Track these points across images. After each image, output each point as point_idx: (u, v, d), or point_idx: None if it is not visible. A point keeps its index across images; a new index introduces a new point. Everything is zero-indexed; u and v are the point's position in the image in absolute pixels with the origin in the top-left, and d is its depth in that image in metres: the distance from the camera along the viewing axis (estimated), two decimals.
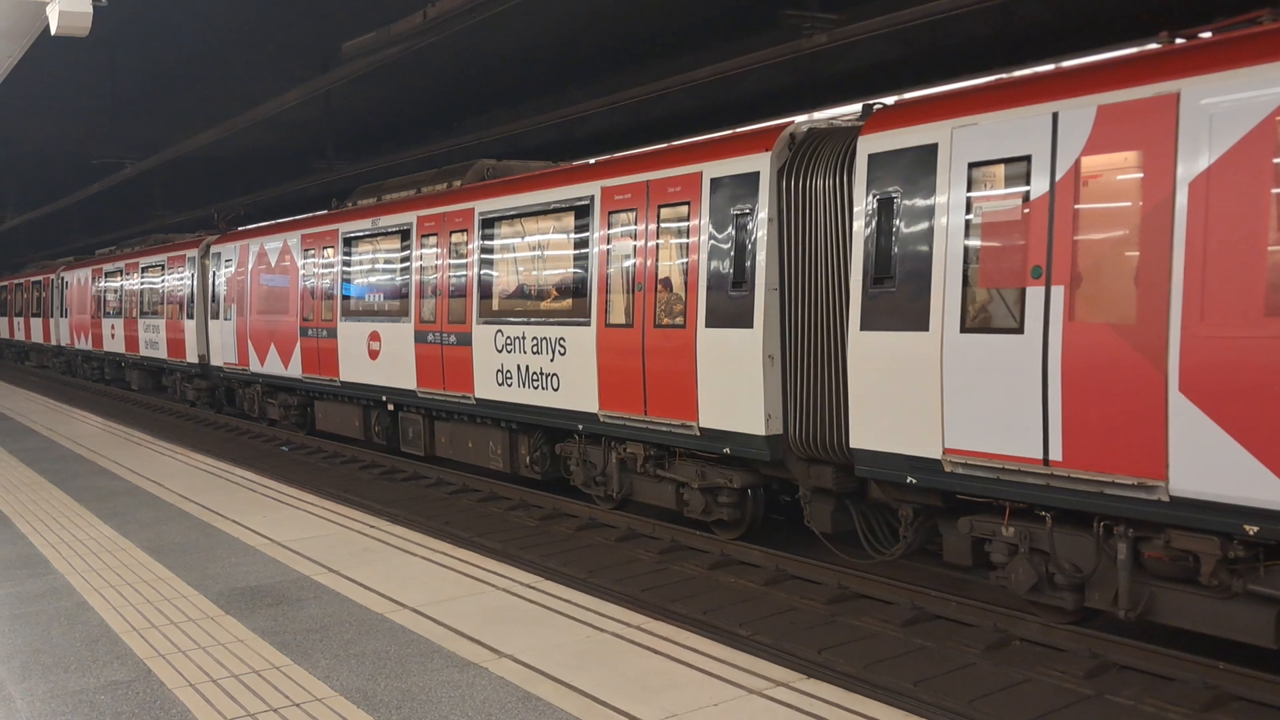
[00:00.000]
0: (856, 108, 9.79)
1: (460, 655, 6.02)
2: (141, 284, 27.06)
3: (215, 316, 22.15)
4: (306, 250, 18.11)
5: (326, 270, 17.44)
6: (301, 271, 18.24)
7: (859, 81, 15.50)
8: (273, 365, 19.37)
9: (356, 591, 7.42)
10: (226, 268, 21.55)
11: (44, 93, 20.47)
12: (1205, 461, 6.55)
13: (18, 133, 25.07)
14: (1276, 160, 6.24)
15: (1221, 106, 6.48)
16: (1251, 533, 6.40)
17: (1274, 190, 6.25)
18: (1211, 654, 7.14)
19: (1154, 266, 6.77)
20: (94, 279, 31.60)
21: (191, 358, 23.64)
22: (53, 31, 10.29)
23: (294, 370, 18.57)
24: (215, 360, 22.39)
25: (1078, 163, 7.25)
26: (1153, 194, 6.81)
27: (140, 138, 24.93)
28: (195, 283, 23.23)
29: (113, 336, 29.75)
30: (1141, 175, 6.88)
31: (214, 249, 22.48)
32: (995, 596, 8.76)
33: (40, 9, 10.61)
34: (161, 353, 25.62)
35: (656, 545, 11.07)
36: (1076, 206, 7.26)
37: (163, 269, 25.40)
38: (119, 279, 29.06)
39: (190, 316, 23.47)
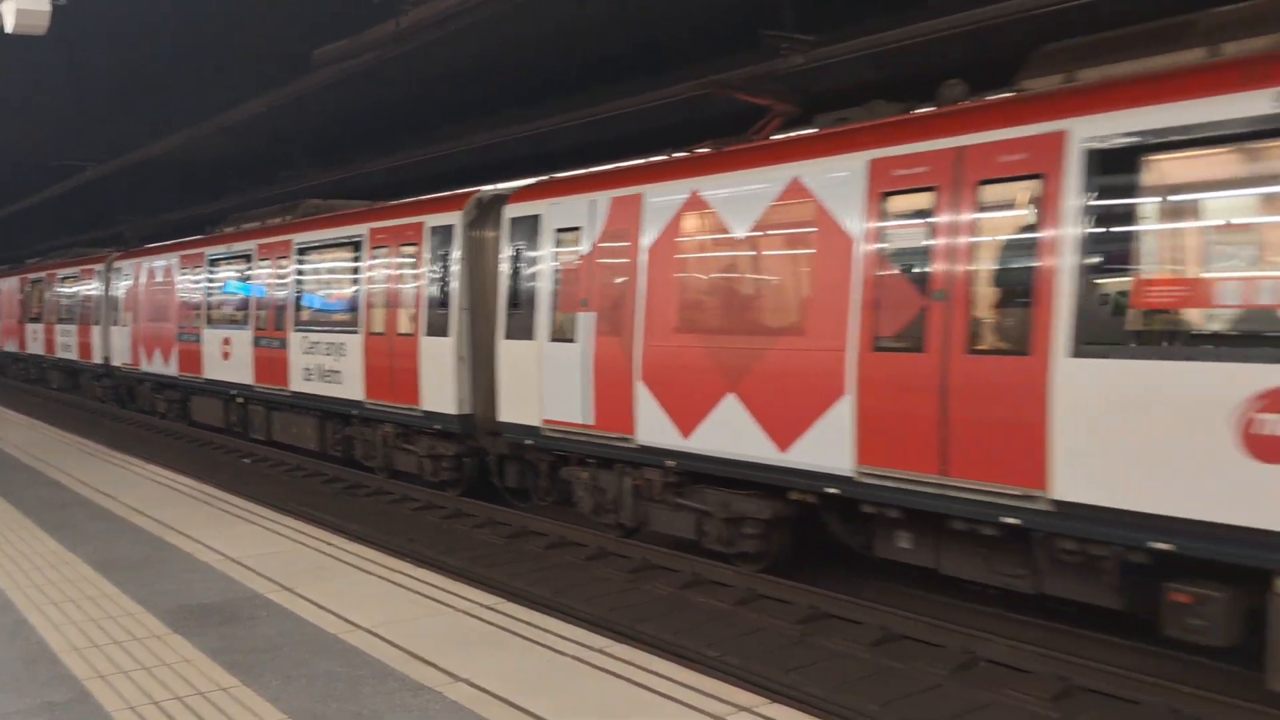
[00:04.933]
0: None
1: (414, 678, 5.84)
2: (59, 292, 30.34)
3: (115, 323, 25.58)
4: (183, 268, 21.68)
5: (196, 285, 20.96)
6: (179, 286, 21.76)
7: (837, 102, 15.43)
8: (157, 365, 22.89)
9: (310, 610, 7.22)
10: (125, 280, 24.92)
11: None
12: (650, 422, 10.42)
13: None
14: (678, 239, 10.24)
15: (659, 203, 10.47)
16: (671, 465, 10.29)
17: (676, 256, 10.24)
18: (1172, 677, 7.07)
19: (631, 300, 10.65)
20: (20, 287, 35.10)
21: (97, 359, 27.03)
22: (7, 29, 10.07)
23: (173, 370, 22.02)
24: (116, 361, 25.72)
25: (602, 232, 11.11)
26: (632, 255, 10.70)
27: (104, 141, 24.57)
28: (101, 293, 26.62)
29: (34, 339, 33.23)
30: (628, 244, 10.76)
31: (116, 264, 25.88)
32: (964, 618, 8.69)
33: None
34: (74, 355, 28.97)
35: (626, 564, 10.93)
36: (599, 261, 11.11)
37: (76, 279, 28.82)
38: (41, 287, 32.36)
39: (97, 322, 26.93)
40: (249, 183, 27.45)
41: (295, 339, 16.78)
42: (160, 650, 6.35)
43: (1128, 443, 6.73)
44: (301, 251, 16.90)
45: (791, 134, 10.31)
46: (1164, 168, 6.77)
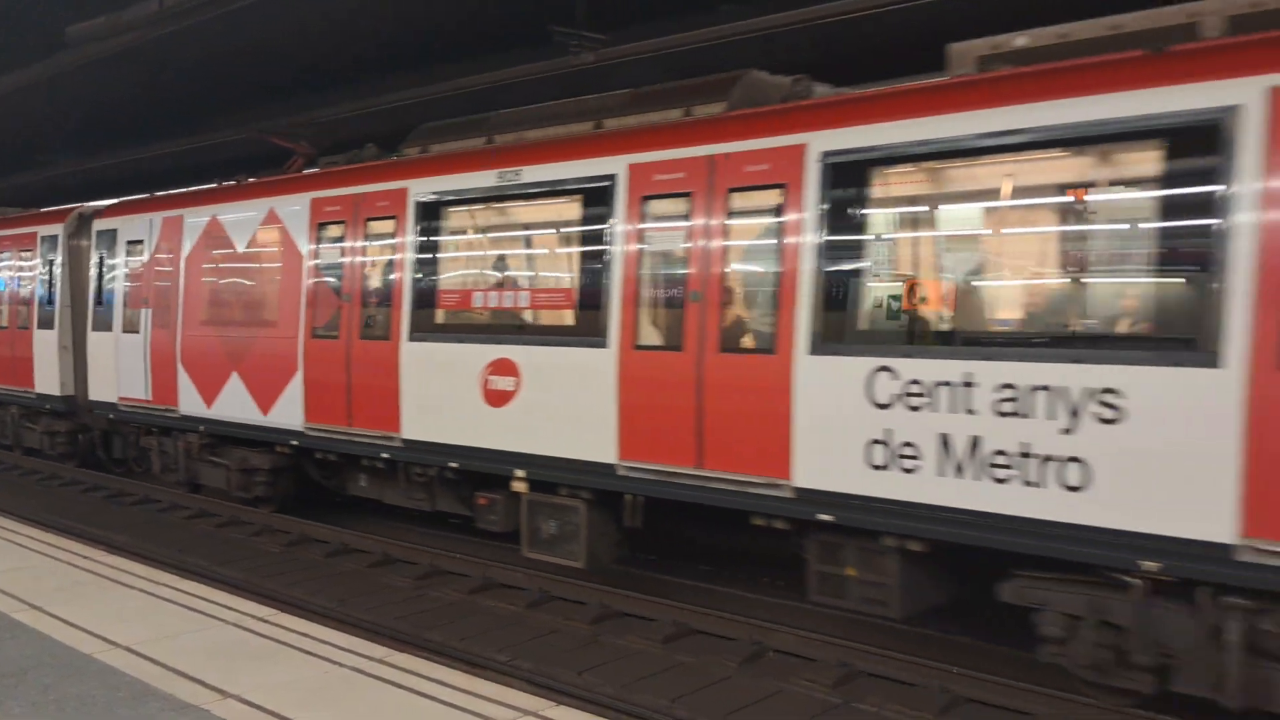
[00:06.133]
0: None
1: (178, 697, 5.45)
2: None
3: None
4: None
5: None
6: None
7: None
8: None
9: (62, 630, 6.64)
10: None
11: None
12: (188, 396, 12.93)
13: None
14: (204, 252, 12.88)
15: (193, 224, 13.18)
16: (202, 429, 12.92)
17: (203, 265, 12.90)
18: (947, 659, 7.43)
19: (175, 299, 13.22)
20: None
21: None
22: None
23: None
24: None
25: (157, 245, 13.73)
26: (175, 264, 13.34)
27: None
28: None
29: None
30: (173, 255, 13.41)
31: None
32: (755, 611, 8.85)
33: None
34: None
35: (413, 570, 10.59)
36: (155, 268, 13.70)
37: None
38: None
39: None
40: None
41: None
42: None
43: (436, 395, 9.95)
44: None
45: (274, 176, 13.31)
46: (452, 216, 10.16)
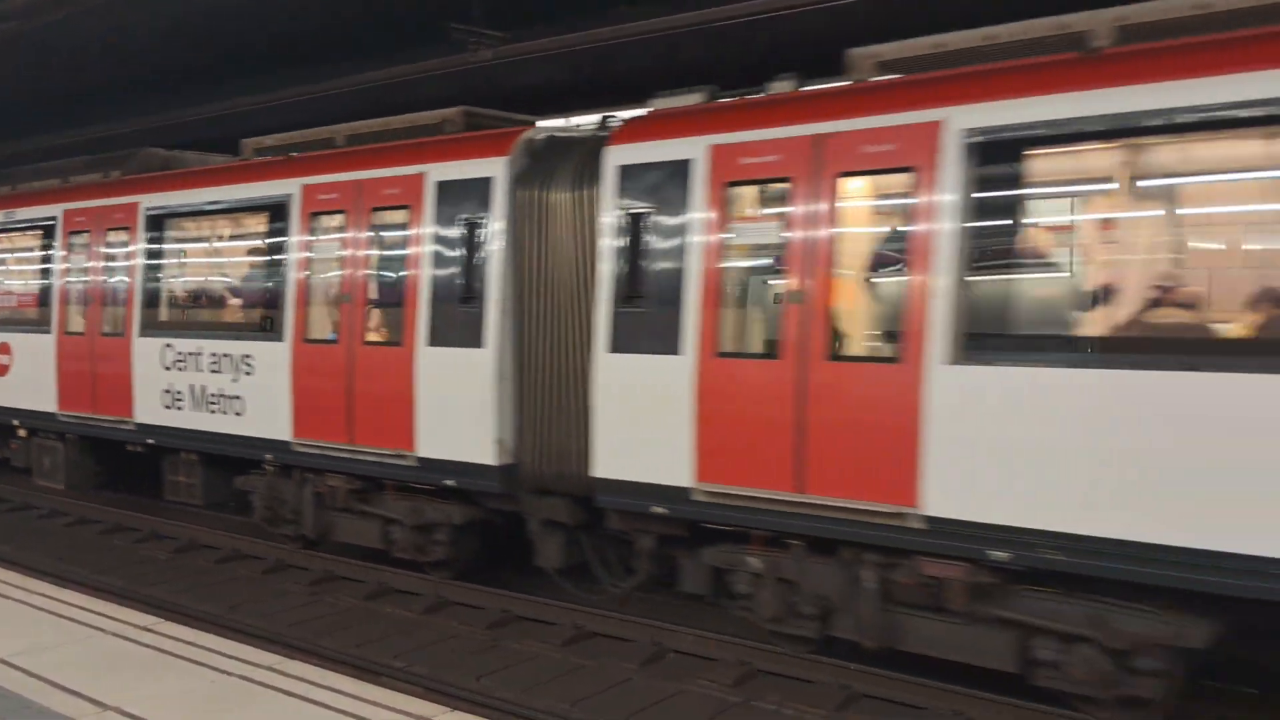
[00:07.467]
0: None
1: (55, 710, 5.25)
2: None
3: None
4: None
5: None
6: None
7: (529, 100, 15.42)
8: None
9: None
10: None
11: None
12: None
13: None
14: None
15: None
16: None
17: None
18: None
19: None
20: None
21: None
22: None
23: None
24: None
25: None
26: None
27: None
28: None
29: None
30: None
31: None
32: (653, 612, 8.85)
33: None
34: None
35: (307, 576, 10.34)
36: None
37: None
38: None
39: None
40: None
41: None
42: None
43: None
44: None
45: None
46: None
